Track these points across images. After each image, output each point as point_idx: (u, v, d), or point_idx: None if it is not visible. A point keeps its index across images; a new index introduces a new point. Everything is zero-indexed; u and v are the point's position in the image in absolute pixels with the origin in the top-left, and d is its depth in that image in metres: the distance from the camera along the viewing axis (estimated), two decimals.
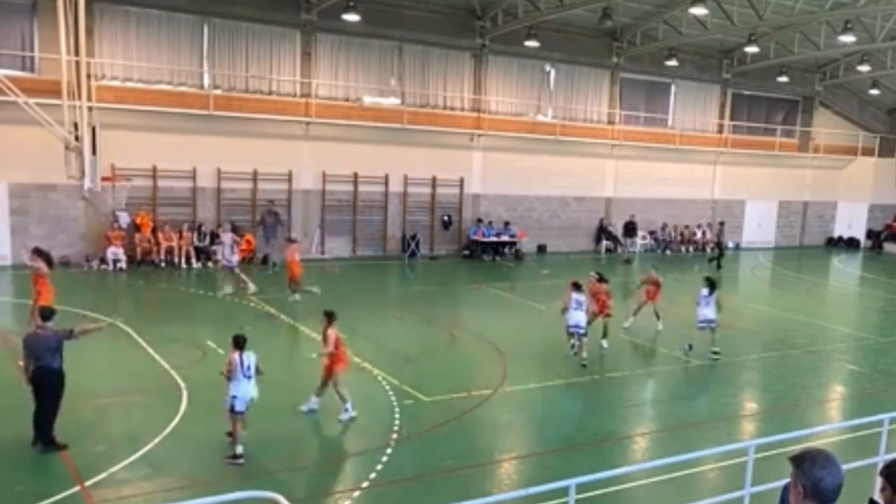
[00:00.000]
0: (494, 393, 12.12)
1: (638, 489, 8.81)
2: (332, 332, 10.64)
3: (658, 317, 16.83)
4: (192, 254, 22.89)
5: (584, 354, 13.73)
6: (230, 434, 9.19)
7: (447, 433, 10.33)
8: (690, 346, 14.93)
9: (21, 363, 9.67)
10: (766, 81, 34.22)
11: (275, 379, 12.51)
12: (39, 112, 14.34)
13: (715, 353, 14.77)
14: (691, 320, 15.23)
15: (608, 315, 14.97)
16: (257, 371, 9.29)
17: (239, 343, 9.23)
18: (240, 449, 9.07)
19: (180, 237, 22.77)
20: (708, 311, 14.80)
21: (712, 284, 15.16)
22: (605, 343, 14.90)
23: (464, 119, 27.82)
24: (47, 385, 9.25)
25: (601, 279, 15.18)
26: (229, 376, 9.08)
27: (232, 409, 9.07)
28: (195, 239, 23.04)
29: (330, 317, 10.83)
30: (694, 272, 27.80)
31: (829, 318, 20.19)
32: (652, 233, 32.33)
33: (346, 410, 10.52)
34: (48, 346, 9.32)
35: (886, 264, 32.52)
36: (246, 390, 9.10)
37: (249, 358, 9.21)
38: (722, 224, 30.79)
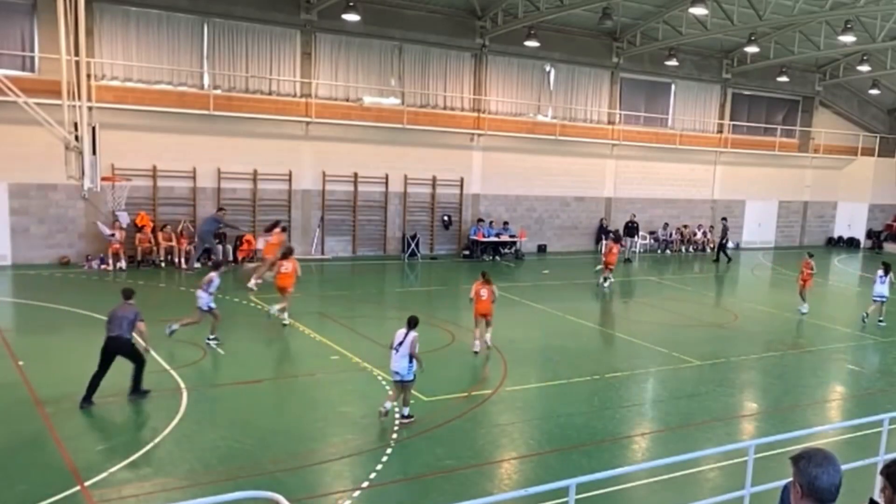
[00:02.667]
0: (494, 393, 12.13)
1: (638, 489, 8.81)
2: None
3: (804, 300, 20.00)
4: (192, 253, 22.87)
5: None
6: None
7: (447, 433, 10.33)
8: (867, 315, 18.78)
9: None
10: (766, 81, 34.23)
11: (274, 379, 12.53)
12: (39, 112, 14.30)
13: (881, 321, 18.66)
14: (689, 320, 15.20)
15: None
16: (412, 358, 10.39)
17: (410, 323, 10.57)
18: (406, 411, 10.59)
19: (180, 238, 22.74)
20: (883, 289, 18.50)
21: (888, 267, 18.72)
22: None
23: (464, 119, 27.82)
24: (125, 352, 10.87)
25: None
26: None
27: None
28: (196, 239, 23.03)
29: (485, 275, 14.49)
30: (694, 272, 27.83)
31: (829, 318, 20.18)
32: (652, 233, 32.33)
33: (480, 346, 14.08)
34: (124, 318, 10.86)
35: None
36: (394, 362, 10.44)
37: (408, 336, 10.42)
38: (724, 220, 30.97)
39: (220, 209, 23.07)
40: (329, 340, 14.82)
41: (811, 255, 20.76)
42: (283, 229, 21.32)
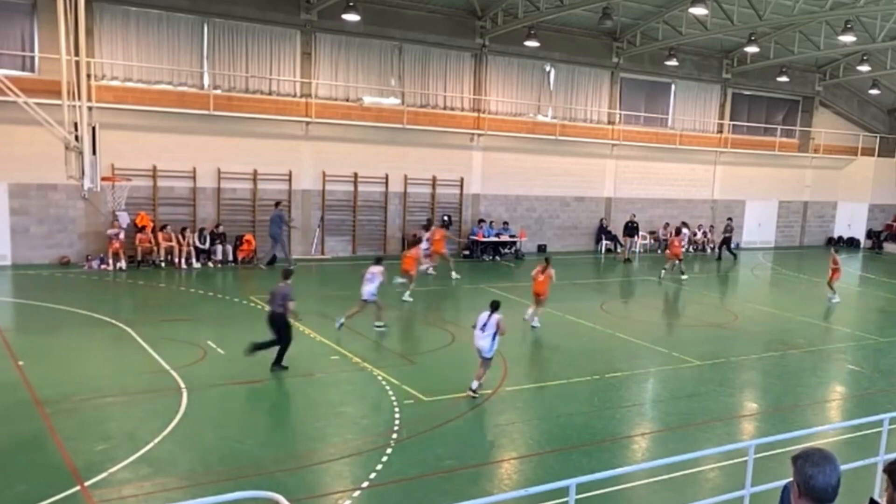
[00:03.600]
0: (494, 393, 12.13)
1: (638, 489, 8.81)
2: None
3: (833, 290, 21.59)
4: (193, 254, 22.89)
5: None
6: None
7: (447, 433, 10.33)
8: None
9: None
10: (766, 81, 34.23)
11: (274, 379, 12.53)
12: (39, 112, 14.30)
13: None
14: (689, 320, 15.19)
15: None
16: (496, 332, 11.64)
17: (493, 306, 11.94)
18: (475, 385, 11.71)
19: (181, 239, 22.71)
20: None
21: None
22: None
23: (464, 119, 27.82)
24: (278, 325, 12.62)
25: None
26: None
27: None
28: (196, 241, 23.02)
29: (548, 260, 17.09)
30: (694, 272, 27.83)
31: (829, 318, 20.19)
32: (652, 233, 32.33)
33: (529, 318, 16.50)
34: (281, 294, 12.55)
35: (886, 264, 32.52)
36: (478, 340, 11.82)
37: (492, 318, 11.70)
38: (729, 220, 31.09)
39: (277, 203, 23.72)
40: (329, 340, 14.82)
41: (837, 251, 22.83)
42: (444, 224, 25.79)
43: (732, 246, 31.48)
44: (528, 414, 11.54)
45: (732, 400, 12.86)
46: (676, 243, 24.80)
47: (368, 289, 15.52)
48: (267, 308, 13.01)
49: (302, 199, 25.21)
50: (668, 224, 32.46)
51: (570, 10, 25.55)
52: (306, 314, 17.12)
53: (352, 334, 15.56)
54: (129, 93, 22.26)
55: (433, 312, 18.78)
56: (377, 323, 15.88)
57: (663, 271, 24.63)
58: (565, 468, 9.11)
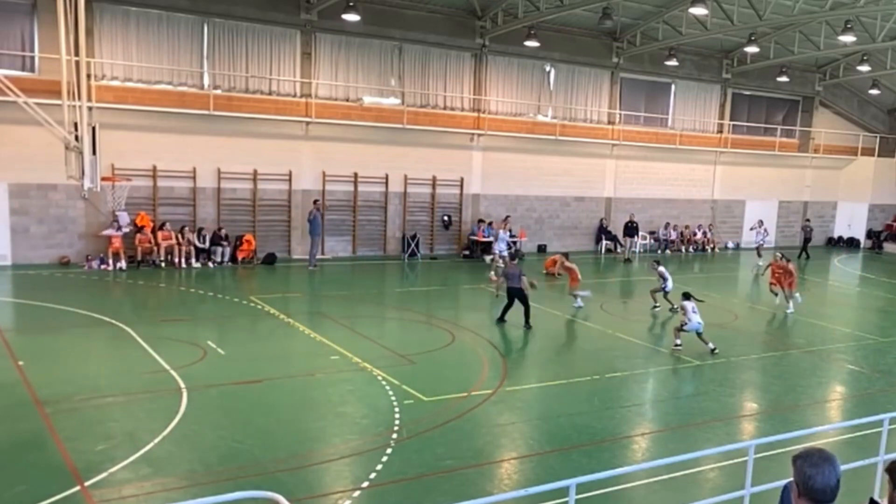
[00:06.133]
0: (494, 393, 12.13)
1: (638, 489, 8.81)
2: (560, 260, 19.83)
3: (788, 300, 19.92)
4: (193, 254, 22.89)
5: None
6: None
7: (447, 433, 10.33)
8: None
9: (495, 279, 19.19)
10: (766, 81, 34.23)
11: (274, 379, 12.53)
12: (39, 112, 14.30)
13: None
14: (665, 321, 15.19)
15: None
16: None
17: (686, 297, 15.30)
18: (678, 341, 15.05)
19: (180, 238, 22.73)
20: None
21: None
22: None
23: (464, 119, 27.82)
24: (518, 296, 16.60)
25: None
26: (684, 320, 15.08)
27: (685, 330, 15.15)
28: (196, 240, 23.04)
29: (566, 255, 20.07)
30: (694, 272, 27.83)
31: (829, 318, 20.19)
32: (652, 233, 32.33)
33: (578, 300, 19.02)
34: (514, 275, 16.61)
35: (886, 264, 32.51)
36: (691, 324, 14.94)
37: (687, 303, 15.12)
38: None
39: (315, 201, 24.22)
40: (329, 340, 14.82)
41: (783, 256, 20.79)
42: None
43: (731, 246, 31.47)
44: (528, 414, 11.53)
45: (732, 400, 12.86)
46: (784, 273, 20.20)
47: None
48: (507, 285, 16.75)
49: (302, 199, 25.20)
50: (669, 224, 32.47)
51: (570, 10, 25.55)
52: (307, 314, 17.18)
53: (352, 334, 15.56)
54: (129, 93, 22.26)
55: (433, 313, 18.78)
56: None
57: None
58: (565, 468, 9.10)
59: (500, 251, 23.87)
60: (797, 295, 20.13)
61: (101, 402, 10.75)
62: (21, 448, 9.26)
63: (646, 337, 16.59)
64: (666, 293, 19.39)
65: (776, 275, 20.46)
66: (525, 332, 16.37)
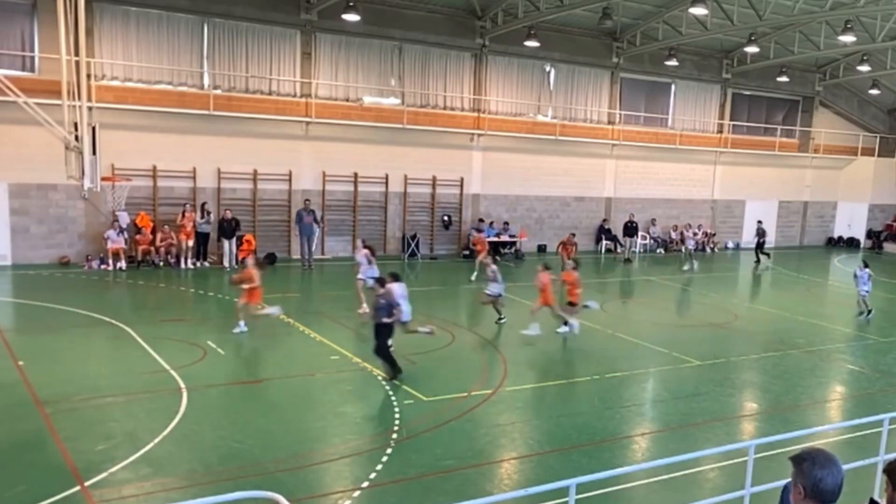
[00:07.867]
0: (494, 393, 12.13)
1: (638, 489, 8.81)
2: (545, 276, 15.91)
3: (564, 318, 15.98)
4: (191, 252, 22.87)
5: None
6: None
7: (447, 433, 10.33)
8: None
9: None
10: (766, 81, 34.23)
11: (274, 379, 12.53)
12: (39, 112, 14.31)
13: None
14: (689, 320, 15.17)
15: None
16: None
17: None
18: None
19: (182, 219, 22.41)
20: None
21: None
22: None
23: (464, 119, 27.82)
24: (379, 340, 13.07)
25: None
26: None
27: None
28: (197, 218, 22.68)
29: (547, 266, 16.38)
30: (694, 272, 27.80)
31: (829, 318, 20.19)
32: (659, 236, 32.31)
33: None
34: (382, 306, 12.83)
35: (886, 264, 32.48)
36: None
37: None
38: (760, 223, 30.96)
39: (306, 200, 24.15)
40: (329, 340, 14.82)
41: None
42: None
43: (731, 246, 31.43)
44: (528, 414, 11.53)
45: (732, 400, 12.86)
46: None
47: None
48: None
49: (302, 199, 25.19)
50: (672, 224, 32.44)
51: (570, 10, 25.54)
52: (307, 314, 17.17)
53: (352, 334, 15.56)
54: (129, 93, 22.26)
55: (433, 313, 18.78)
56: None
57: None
58: (565, 468, 9.10)
59: (366, 276, 16.63)
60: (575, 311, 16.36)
61: (101, 402, 10.75)
62: (21, 448, 9.26)
63: (646, 337, 16.57)
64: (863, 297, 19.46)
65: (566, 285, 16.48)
66: (525, 334, 16.31)
